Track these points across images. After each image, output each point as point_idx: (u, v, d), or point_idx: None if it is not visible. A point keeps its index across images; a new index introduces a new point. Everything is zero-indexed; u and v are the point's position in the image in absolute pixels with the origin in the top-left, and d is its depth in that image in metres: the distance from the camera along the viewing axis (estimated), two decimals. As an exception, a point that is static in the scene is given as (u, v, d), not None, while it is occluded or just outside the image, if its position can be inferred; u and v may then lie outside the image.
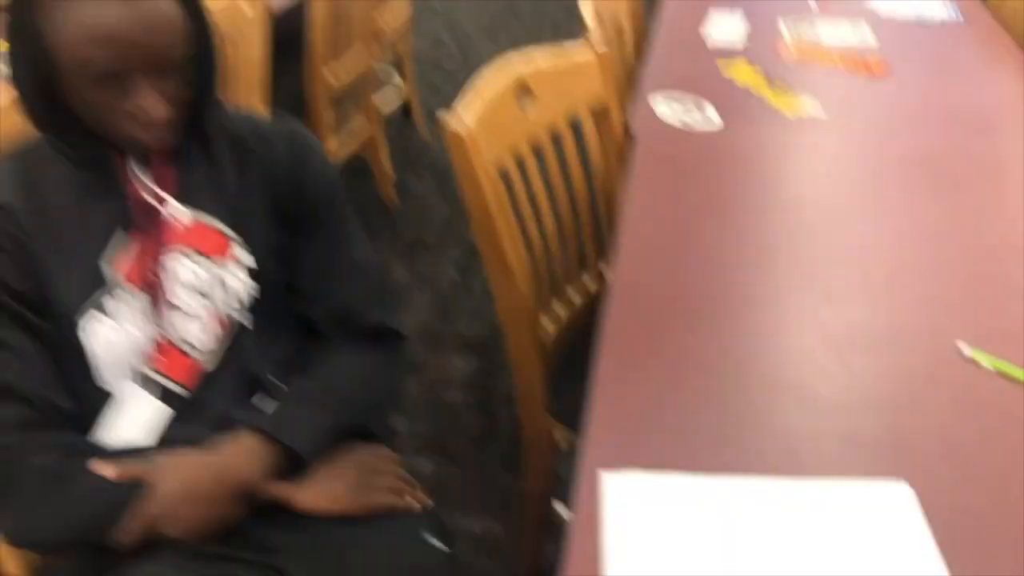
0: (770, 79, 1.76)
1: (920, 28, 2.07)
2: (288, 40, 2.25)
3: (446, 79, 3.96)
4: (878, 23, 2.08)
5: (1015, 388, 0.93)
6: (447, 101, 3.85)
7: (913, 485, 0.81)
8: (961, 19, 2.12)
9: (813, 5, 2.22)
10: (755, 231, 1.25)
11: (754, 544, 0.76)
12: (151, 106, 0.91)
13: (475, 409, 2.06)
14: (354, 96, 2.58)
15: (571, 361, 1.44)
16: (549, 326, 1.41)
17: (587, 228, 1.50)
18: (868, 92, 1.72)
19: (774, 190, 1.37)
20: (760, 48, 1.92)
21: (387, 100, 2.99)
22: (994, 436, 0.87)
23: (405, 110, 3.34)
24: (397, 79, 3.20)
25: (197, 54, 0.95)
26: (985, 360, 0.97)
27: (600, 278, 1.53)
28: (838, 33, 2.01)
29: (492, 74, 1.30)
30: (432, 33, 4.54)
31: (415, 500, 0.99)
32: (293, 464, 0.94)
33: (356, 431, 1.00)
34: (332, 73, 2.36)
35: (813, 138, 1.54)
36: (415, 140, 3.37)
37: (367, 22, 2.55)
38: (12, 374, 0.92)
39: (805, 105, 1.64)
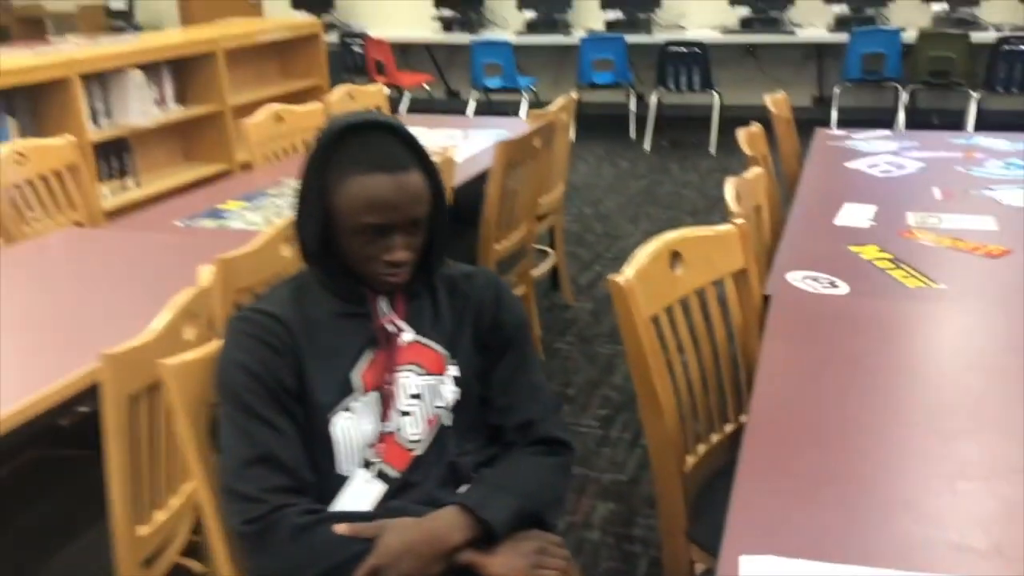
0: (895, 259, 1.96)
1: (1041, 217, 2.24)
2: (458, 209, 2.62)
3: (589, 252, 4.30)
4: (999, 210, 2.27)
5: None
6: (590, 271, 4.21)
7: (1012, 585, 0.95)
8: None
9: (938, 195, 2.43)
10: (877, 379, 1.43)
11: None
12: (400, 254, 1.22)
13: (613, 548, 2.21)
14: (513, 261, 2.92)
15: (707, 493, 1.62)
16: (691, 459, 1.60)
17: (727, 376, 1.71)
18: (986, 269, 1.90)
19: (895, 346, 1.55)
20: (887, 233, 2.14)
21: (538, 267, 3.32)
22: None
23: (553, 276, 3.67)
24: (548, 249, 3.55)
25: (433, 214, 1.26)
26: (1084, 494, 1.11)
27: (738, 422, 1.72)
28: (960, 220, 2.21)
29: (652, 242, 1.58)
30: (578, 211, 4.95)
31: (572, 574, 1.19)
32: (486, 536, 1.16)
33: (533, 519, 1.22)
34: (498, 241, 2.71)
35: (932, 306, 1.72)
36: (560, 304, 3.68)
37: (532, 203, 2.92)
38: (279, 449, 1.19)
39: (926, 279, 1.84)
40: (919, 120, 6.36)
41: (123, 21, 8.46)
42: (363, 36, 7.14)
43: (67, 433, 1.97)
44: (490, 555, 1.16)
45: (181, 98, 4.31)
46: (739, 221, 1.75)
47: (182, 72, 4.30)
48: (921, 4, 6.38)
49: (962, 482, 1.15)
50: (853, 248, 2.04)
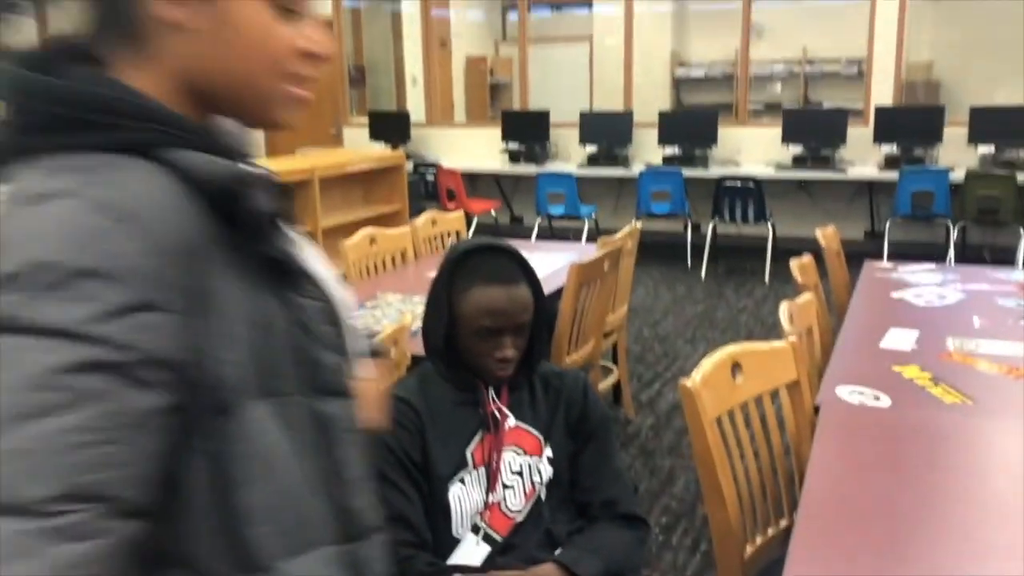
0: (935, 377, 2.18)
1: (1073, 346, 2.44)
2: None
3: (649, 371, 4.54)
4: (1034, 340, 2.48)
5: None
6: (650, 389, 4.43)
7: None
8: (1113, 341, 2.48)
9: (977, 323, 2.65)
10: (916, 482, 1.64)
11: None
12: (509, 352, 1.50)
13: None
14: (582, 374, 3.17)
15: (766, 579, 1.81)
16: (749, 548, 1.81)
17: (783, 475, 1.92)
18: (1016, 389, 2.11)
19: (933, 454, 1.76)
20: (928, 356, 2.36)
21: (603, 381, 3.57)
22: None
23: (616, 392, 3.90)
24: (611, 365, 3.80)
25: (535, 321, 1.55)
26: (1090, 573, 1.30)
27: (791, 518, 1.92)
28: (996, 346, 2.42)
29: (716, 353, 1.83)
30: (638, 332, 5.21)
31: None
32: (577, 589, 1.39)
33: (616, 578, 1.45)
34: (569, 354, 2.98)
35: (968, 420, 1.93)
36: (622, 418, 3.90)
37: (599, 321, 3.20)
38: (407, 510, 1.45)
39: (963, 395, 2.05)
40: (970, 255, 6.57)
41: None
42: (436, 166, 7.67)
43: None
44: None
45: (278, 219, 4.75)
46: (792, 338, 2.00)
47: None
48: (968, 146, 6.69)
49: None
50: (896, 368, 2.26)
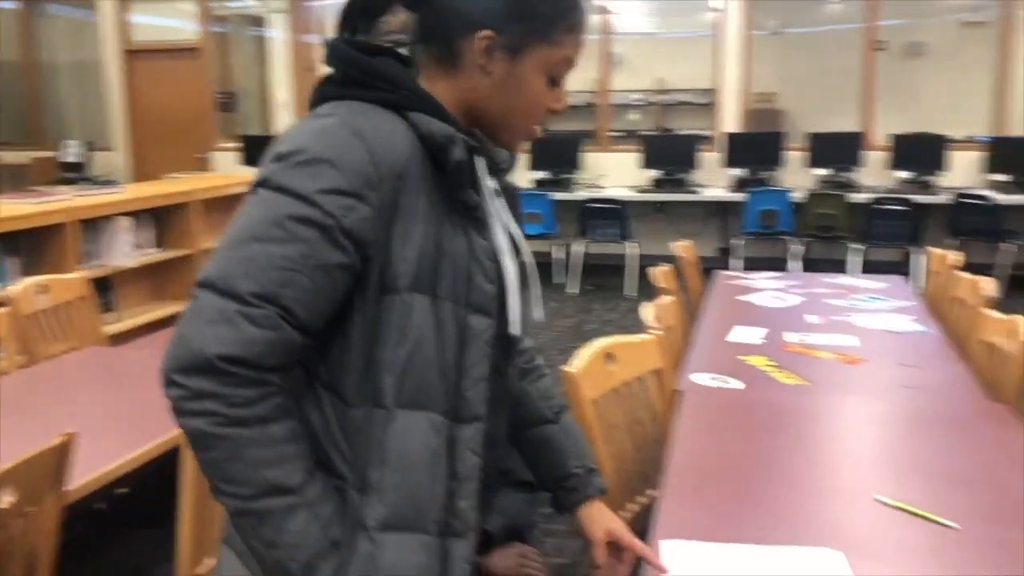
0: (777, 364, 2.53)
1: (891, 336, 2.85)
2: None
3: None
4: (858, 331, 2.88)
5: (898, 514, 1.58)
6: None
7: (847, 553, 1.45)
8: (927, 331, 2.91)
9: (812, 320, 3.04)
10: (760, 448, 1.95)
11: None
12: None
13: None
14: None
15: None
16: (623, 514, 2.07)
17: (649, 449, 2.20)
18: (845, 372, 2.47)
19: (776, 425, 2.08)
20: (771, 347, 2.71)
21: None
22: (895, 524, 1.52)
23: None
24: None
25: None
26: (892, 503, 1.63)
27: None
28: (827, 338, 2.80)
29: (592, 344, 2.10)
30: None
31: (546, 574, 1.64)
32: (485, 543, 1.60)
33: (515, 533, 1.67)
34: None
35: (804, 396, 2.27)
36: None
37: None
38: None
39: (800, 378, 2.39)
40: (811, 267, 7.18)
41: (75, 173, 8.92)
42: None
43: (105, 514, 2.33)
44: (488, 557, 1.60)
45: (159, 242, 4.77)
46: (657, 332, 2.30)
47: (160, 219, 4.78)
48: (806, 168, 7.34)
49: (828, 501, 1.66)
50: (743, 357, 2.60)
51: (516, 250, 1.17)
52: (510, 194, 1.21)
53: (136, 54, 9.18)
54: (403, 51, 1.12)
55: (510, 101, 1.10)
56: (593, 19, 8.21)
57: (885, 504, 1.63)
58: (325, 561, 1.01)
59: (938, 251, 3.68)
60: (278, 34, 9.25)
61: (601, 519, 1.42)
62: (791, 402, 2.24)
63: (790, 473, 1.80)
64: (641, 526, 2.12)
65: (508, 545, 1.65)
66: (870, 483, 1.74)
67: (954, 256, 3.50)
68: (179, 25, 9.31)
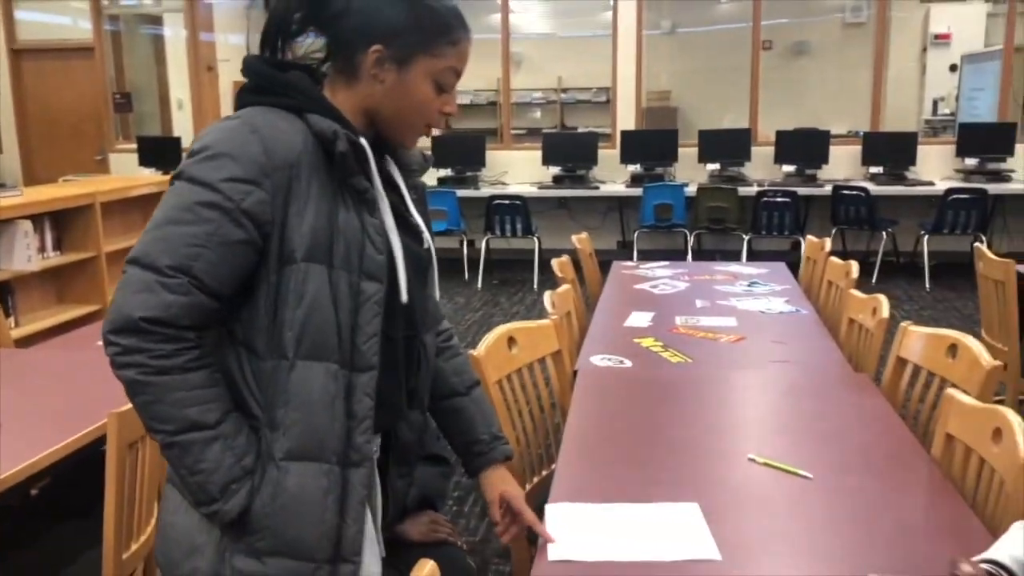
0: (664, 345, 2.74)
1: (768, 317, 3.11)
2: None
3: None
4: (738, 314, 3.13)
5: (766, 469, 1.80)
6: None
7: (701, 504, 1.65)
8: (798, 311, 3.18)
9: (699, 304, 3.28)
10: (652, 416, 2.15)
11: (628, 528, 1.59)
12: None
13: None
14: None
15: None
16: (528, 486, 2.24)
17: (550, 426, 2.38)
18: (726, 350, 2.71)
19: (663, 398, 2.29)
20: (660, 330, 2.93)
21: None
22: (753, 480, 1.73)
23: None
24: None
25: None
26: (761, 460, 1.84)
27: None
28: (712, 320, 3.04)
29: (495, 330, 2.26)
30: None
31: (456, 539, 1.79)
32: (399, 511, 1.75)
33: (427, 502, 1.82)
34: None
35: (687, 371, 2.49)
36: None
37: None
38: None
39: (685, 356, 2.61)
40: (704, 257, 7.53)
41: (-37, 176, 8.62)
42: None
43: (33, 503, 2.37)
44: (401, 523, 1.75)
45: (58, 246, 4.72)
46: (554, 317, 2.48)
47: (60, 222, 4.74)
48: (699, 164, 7.68)
49: (700, 462, 1.87)
50: (636, 340, 2.81)
51: (421, 238, 1.42)
52: (418, 191, 1.45)
53: (23, 53, 8.92)
54: (323, 68, 1.36)
55: (401, 104, 1.31)
56: (494, 19, 8.39)
57: (755, 462, 1.84)
58: (239, 484, 1.23)
59: (813, 238, 3.98)
60: (174, 33, 9.11)
61: (500, 483, 1.60)
62: (675, 377, 2.46)
63: (672, 439, 2.01)
64: (543, 497, 2.30)
65: (421, 512, 1.80)
66: (744, 445, 1.95)
67: (825, 243, 3.80)
68: (69, 23, 9.09)
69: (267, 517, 1.24)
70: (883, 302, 2.61)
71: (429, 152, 1.44)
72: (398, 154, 1.42)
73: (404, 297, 1.32)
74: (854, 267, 3.19)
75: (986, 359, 2.00)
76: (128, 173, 8.22)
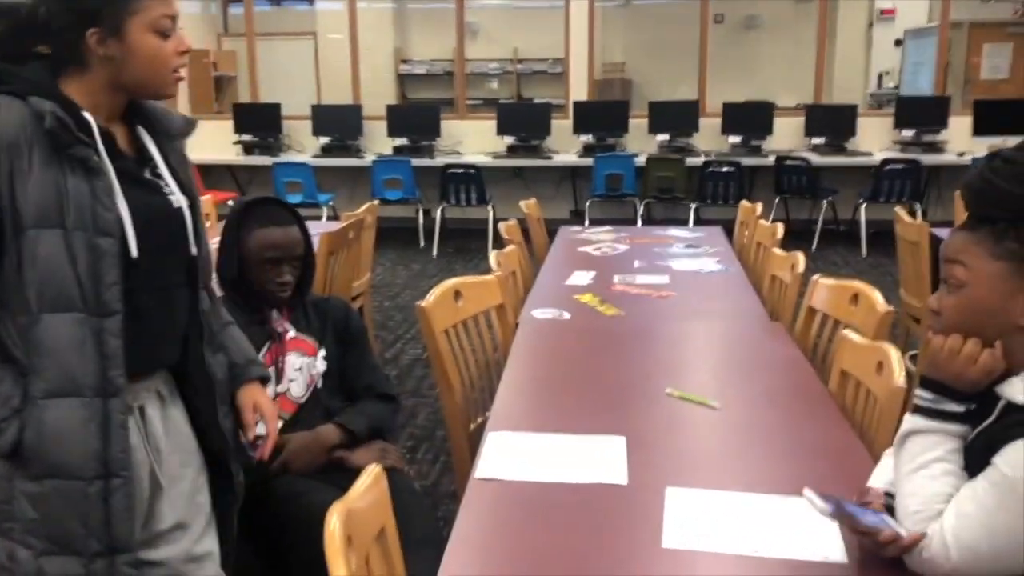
0: (601, 300, 2.95)
1: (699, 275, 3.34)
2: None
3: (391, 334, 5.14)
4: (672, 273, 3.36)
5: (683, 403, 2.02)
6: (394, 348, 4.97)
7: (628, 437, 1.87)
8: (727, 270, 3.41)
9: (636, 264, 3.50)
10: (584, 361, 2.36)
11: (557, 459, 1.79)
12: (287, 278, 2.02)
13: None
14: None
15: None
16: (472, 426, 2.44)
17: (493, 373, 2.58)
18: (657, 305, 2.93)
19: (595, 346, 2.50)
20: (600, 287, 3.14)
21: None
22: (671, 414, 1.95)
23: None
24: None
25: (304, 257, 2.07)
26: (676, 393, 2.06)
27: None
28: (646, 279, 3.26)
29: (442, 284, 2.45)
30: (379, 304, 5.78)
31: (402, 465, 2.00)
32: (350, 440, 1.94)
33: (377, 433, 2.02)
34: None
35: (618, 323, 2.71)
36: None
37: (347, 285, 3.73)
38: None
39: (618, 309, 2.83)
40: (654, 225, 7.76)
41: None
42: (170, 158, 7.75)
43: None
44: (353, 452, 1.94)
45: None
46: (497, 273, 2.67)
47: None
48: (649, 135, 7.90)
49: (631, 399, 2.08)
50: (575, 296, 3.02)
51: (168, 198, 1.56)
52: (179, 154, 1.61)
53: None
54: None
55: (140, 67, 1.45)
56: (448, -10, 8.48)
57: (671, 396, 2.06)
58: (7, 423, 1.42)
59: (746, 203, 4.22)
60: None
61: (252, 395, 1.74)
62: (609, 327, 2.68)
63: (600, 379, 2.22)
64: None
65: (371, 442, 2.00)
66: (664, 382, 2.17)
67: (757, 207, 4.04)
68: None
69: (36, 447, 1.42)
70: (800, 259, 2.84)
71: (191, 116, 1.66)
72: (161, 121, 1.57)
73: (134, 252, 1.46)
74: (779, 228, 3.42)
75: (881, 304, 2.23)
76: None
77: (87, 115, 1.43)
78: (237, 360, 1.73)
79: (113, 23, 1.42)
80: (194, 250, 1.58)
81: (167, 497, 1.58)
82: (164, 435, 1.59)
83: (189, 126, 1.60)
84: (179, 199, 1.55)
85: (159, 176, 1.54)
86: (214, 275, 1.78)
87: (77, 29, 1.42)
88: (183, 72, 1.51)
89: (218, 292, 2.06)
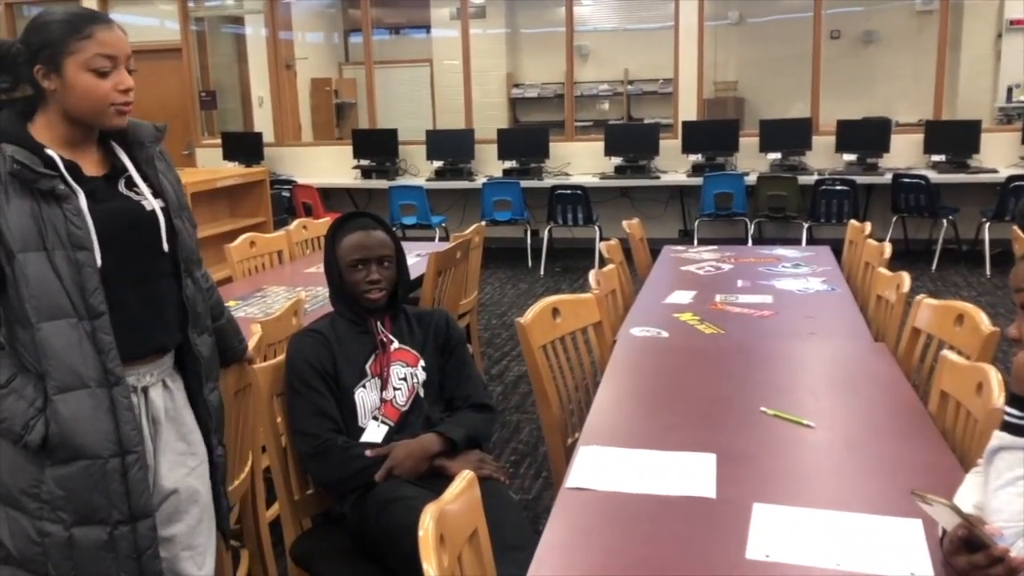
0: (701, 319, 2.97)
1: (803, 295, 3.31)
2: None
3: (498, 351, 5.25)
4: (776, 292, 3.34)
5: (777, 421, 2.02)
6: (500, 365, 5.10)
7: (718, 454, 1.89)
8: (832, 289, 3.37)
9: (739, 284, 3.49)
10: (682, 379, 2.39)
11: (645, 472, 1.84)
12: (375, 276, 2.14)
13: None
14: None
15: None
16: (570, 440, 2.50)
17: (591, 385, 2.64)
18: (759, 324, 2.93)
19: (693, 362, 2.52)
20: (700, 306, 3.16)
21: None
22: (765, 432, 1.96)
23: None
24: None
25: (393, 260, 2.19)
26: (771, 412, 2.07)
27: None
28: (748, 298, 3.25)
29: (540, 302, 2.53)
30: (487, 322, 5.91)
31: (501, 475, 2.07)
32: (450, 448, 2.04)
33: (475, 443, 2.11)
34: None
35: (718, 341, 2.72)
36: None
37: (455, 303, 3.86)
38: (327, 407, 2.06)
39: (718, 328, 2.84)
40: (765, 245, 7.64)
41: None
42: (291, 182, 8.14)
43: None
44: (452, 460, 2.04)
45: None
46: (596, 291, 2.74)
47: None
48: (760, 153, 7.80)
49: (724, 417, 2.11)
50: (675, 314, 3.04)
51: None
52: (158, 158, 1.79)
53: (119, 55, 9.46)
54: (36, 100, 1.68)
55: (75, 100, 1.63)
56: (559, 13, 8.62)
57: (765, 413, 2.08)
58: (35, 420, 1.62)
59: (855, 223, 4.14)
60: (255, 32, 9.58)
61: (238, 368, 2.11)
62: (707, 346, 2.69)
63: (695, 397, 2.25)
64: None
65: (469, 451, 2.09)
66: (759, 401, 2.18)
67: (865, 226, 3.96)
68: (156, 24, 9.63)
69: (59, 436, 1.63)
70: (905, 279, 2.79)
71: (161, 123, 1.84)
72: (133, 133, 1.76)
73: (98, 262, 1.63)
74: (887, 248, 3.36)
75: (985, 325, 2.19)
76: (213, 166, 8.72)
77: (50, 152, 1.63)
78: (231, 343, 2.07)
79: (53, 61, 1.61)
80: (166, 246, 1.75)
81: (168, 470, 1.78)
82: (165, 415, 1.78)
83: (160, 132, 1.80)
84: (151, 203, 1.74)
85: (134, 184, 1.74)
86: (213, 276, 2.02)
87: (29, 66, 1.62)
88: (125, 108, 1.68)
89: (329, 307, 2.22)
